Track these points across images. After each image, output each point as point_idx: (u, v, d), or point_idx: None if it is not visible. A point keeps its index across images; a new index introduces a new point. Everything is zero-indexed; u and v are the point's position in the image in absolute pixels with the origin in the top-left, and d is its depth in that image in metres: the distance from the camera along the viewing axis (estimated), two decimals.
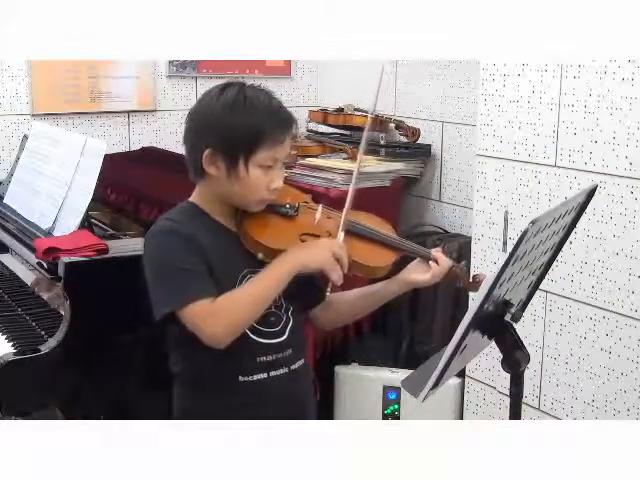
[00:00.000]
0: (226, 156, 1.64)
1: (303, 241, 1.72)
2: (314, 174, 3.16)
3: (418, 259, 1.81)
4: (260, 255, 1.69)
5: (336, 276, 1.62)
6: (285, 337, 1.73)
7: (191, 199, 1.74)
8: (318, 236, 1.74)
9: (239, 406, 1.68)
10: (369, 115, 1.91)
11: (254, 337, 1.68)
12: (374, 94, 1.83)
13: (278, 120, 1.67)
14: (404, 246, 1.82)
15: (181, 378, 1.76)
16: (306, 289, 1.77)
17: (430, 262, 1.78)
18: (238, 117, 1.63)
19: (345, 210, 1.73)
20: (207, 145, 1.64)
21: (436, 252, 1.81)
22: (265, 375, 1.70)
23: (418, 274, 1.79)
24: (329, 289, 1.66)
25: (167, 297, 1.60)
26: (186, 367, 1.73)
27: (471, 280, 1.85)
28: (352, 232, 1.76)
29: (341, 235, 1.65)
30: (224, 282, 1.64)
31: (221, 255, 1.66)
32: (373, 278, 1.81)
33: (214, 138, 1.64)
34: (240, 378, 1.69)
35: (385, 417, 2.99)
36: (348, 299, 1.86)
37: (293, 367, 1.74)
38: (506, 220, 2.59)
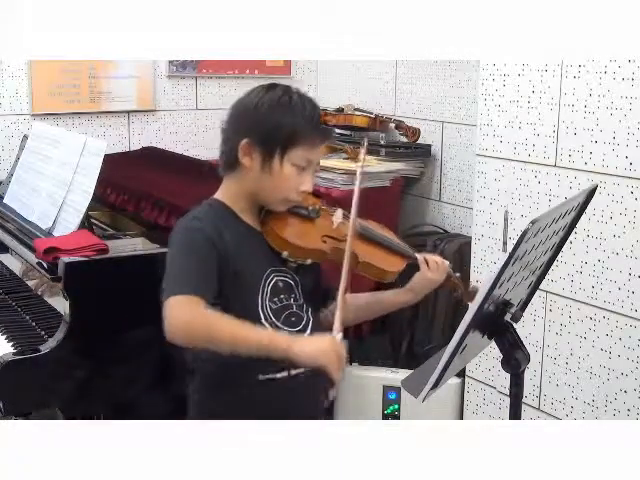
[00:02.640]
0: (263, 148, 1.68)
1: (325, 242, 1.76)
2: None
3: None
4: (285, 253, 1.72)
5: (337, 375, 1.56)
6: (307, 335, 1.74)
7: (217, 196, 1.77)
8: (337, 239, 1.77)
9: (258, 403, 1.70)
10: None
11: None
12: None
13: (318, 125, 1.74)
14: (410, 254, 1.87)
15: (199, 375, 1.77)
16: (318, 290, 1.80)
17: (425, 261, 1.84)
18: (282, 114, 1.69)
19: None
20: (246, 135, 1.68)
21: (430, 255, 1.87)
22: (285, 374, 1.72)
23: (419, 276, 1.84)
24: (332, 392, 1.64)
25: (167, 287, 1.61)
26: (206, 364, 1.74)
27: (468, 288, 1.89)
28: (365, 236, 1.81)
29: (340, 335, 1.60)
30: (249, 281, 1.67)
31: (246, 255, 1.69)
32: (381, 282, 1.85)
33: (254, 129, 1.68)
34: (260, 376, 1.70)
35: (385, 417, 2.99)
36: (358, 302, 1.87)
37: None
38: (506, 220, 2.59)
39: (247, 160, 1.69)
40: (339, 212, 1.84)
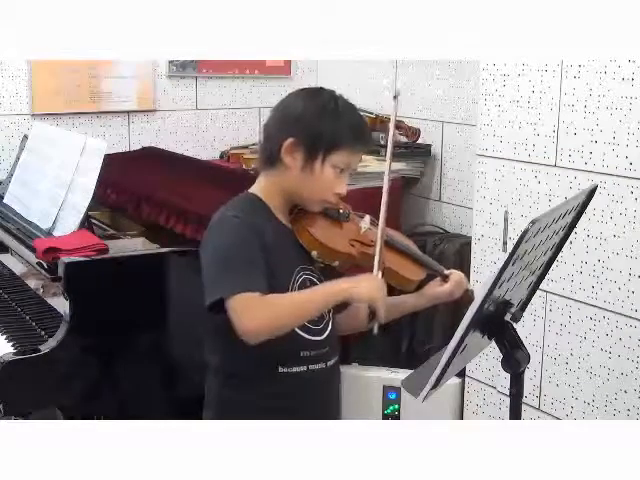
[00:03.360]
0: (307, 149, 1.73)
1: (353, 246, 1.80)
2: None
3: (438, 277, 1.90)
4: (315, 253, 1.76)
5: (383, 311, 1.67)
6: (326, 334, 1.79)
7: (253, 191, 1.80)
8: (365, 244, 1.81)
9: (277, 395, 1.73)
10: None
11: (300, 333, 1.74)
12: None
13: (360, 132, 1.80)
14: (432, 265, 1.91)
15: (219, 368, 1.79)
16: None
17: (450, 277, 1.88)
18: (328, 118, 1.75)
19: (378, 249, 1.77)
20: (291, 135, 1.73)
21: (456, 272, 1.91)
22: (305, 368, 1.76)
23: (439, 288, 1.88)
24: (376, 325, 1.69)
25: (222, 283, 1.64)
26: (226, 357, 1.77)
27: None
28: (390, 245, 1.85)
29: (380, 273, 1.72)
30: (279, 277, 1.70)
31: (279, 251, 1.72)
32: (402, 290, 1.89)
33: (300, 131, 1.73)
34: (280, 369, 1.74)
35: (385, 417, 2.99)
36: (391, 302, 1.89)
37: (329, 363, 1.81)
38: (506, 220, 2.59)
39: (289, 159, 1.74)
40: (367, 218, 1.88)
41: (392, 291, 1.92)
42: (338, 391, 1.94)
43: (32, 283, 2.47)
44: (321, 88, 1.84)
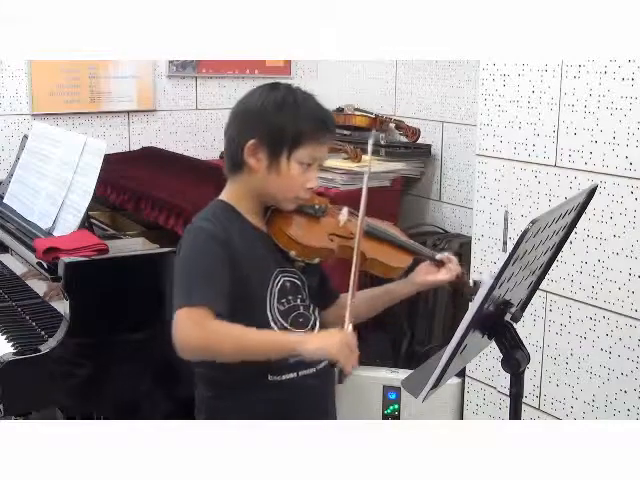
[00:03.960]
0: (270, 148, 1.68)
1: (332, 241, 1.76)
2: None
3: (428, 261, 1.85)
4: (293, 252, 1.72)
5: (350, 368, 1.57)
6: (315, 332, 1.75)
7: (222, 197, 1.76)
8: (344, 237, 1.77)
9: (268, 404, 1.70)
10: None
11: None
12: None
13: (322, 122, 1.73)
14: (420, 250, 1.87)
15: (208, 377, 1.76)
16: (322, 290, 1.81)
17: (446, 264, 1.82)
18: (287, 113, 1.68)
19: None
20: (252, 136, 1.68)
21: (444, 255, 1.85)
22: (294, 375, 1.72)
23: (431, 274, 1.83)
24: (337, 377, 1.59)
25: (176, 295, 1.60)
26: (215, 366, 1.71)
27: (473, 285, 1.88)
28: (371, 234, 1.81)
29: (350, 326, 1.60)
30: (257, 284, 1.67)
31: (254, 257, 1.68)
32: (390, 278, 1.85)
33: (260, 130, 1.68)
34: (269, 377, 1.71)
35: (385, 417, 2.99)
36: (361, 298, 1.85)
37: (319, 367, 1.76)
38: (506, 220, 2.59)
39: (253, 161, 1.69)
40: (345, 210, 1.84)
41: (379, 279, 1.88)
42: (333, 395, 1.88)
43: (32, 283, 2.47)
44: (277, 83, 1.75)
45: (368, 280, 2.03)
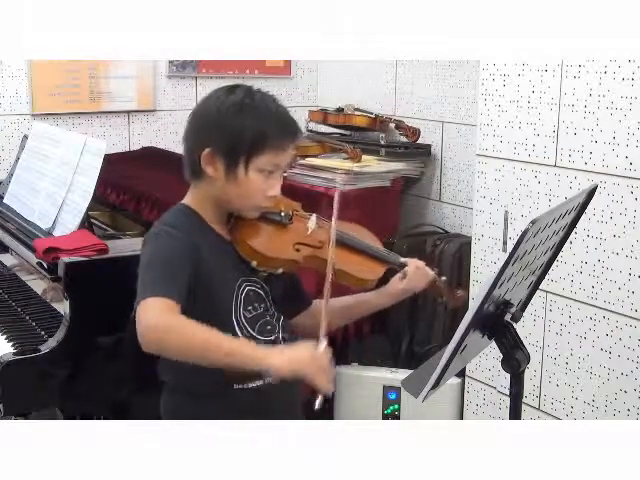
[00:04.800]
0: (226, 157, 1.61)
1: (297, 250, 1.70)
2: (314, 174, 3.16)
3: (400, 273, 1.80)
4: (254, 263, 1.67)
5: (321, 384, 1.47)
6: (281, 345, 1.68)
7: (184, 201, 1.71)
8: (311, 246, 1.71)
9: (236, 412, 1.62)
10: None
11: None
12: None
13: (284, 126, 1.65)
14: (390, 259, 1.81)
15: (175, 386, 1.73)
16: (290, 296, 1.76)
17: (406, 268, 1.78)
18: (244, 119, 1.60)
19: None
20: (208, 144, 1.62)
21: (413, 261, 1.81)
22: (261, 382, 1.66)
23: (400, 283, 1.79)
24: (317, 400, 1.48)
25: (147, 288, 1.54)
26: (179, 375, 1.69)
27: (454, 294, 1.86)
28: (343, 243, 1.75)
29: (323, 344, 1.52)
30: (221, 290, 1.63)
31: (218, 264, 1.64)
32: (362, 290, 1.80)
33: (216, 138, 1.61)
34: (235, 386, 1.66)
35: (385, 417, 2.99)
36: (334, 307, 1.75)
37: None
38: (506, 220, 2.59)
39: (211, 170, 1.62)
40: (314, 217, 1.78)
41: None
42: (299, 402, 1.78)
43: (32, 283, 2.47)
44: (235, 85, 1.66)
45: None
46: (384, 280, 1.82)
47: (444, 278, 1.86)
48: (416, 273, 1.78)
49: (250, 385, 1.66)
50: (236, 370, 1.51)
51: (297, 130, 1.69)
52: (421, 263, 1.80)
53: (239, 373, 1.55)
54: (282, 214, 1.72)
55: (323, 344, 1.52)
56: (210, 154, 1.62)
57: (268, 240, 1.68)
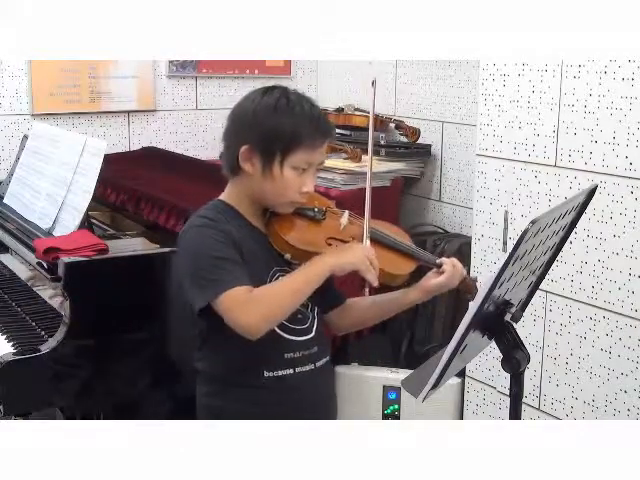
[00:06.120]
0: (263, 154, 1.68)
1: (329, 245, 1.76)
2: None
3: (435, 269, 1.82)
4: (288, 255, 1.73)
5: (371, 276, 1.66)
6: (312, 335, 1.77)
7: (222, 197, 1.78)
8: (344, 241, 1.77)
9: (264, 401, 1.71)
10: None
11: (282, 334, 1.72)
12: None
13: (318, 126, 1.71)
14: (422, 256, 1.85)
15: (207, 375, 1.78)
16: (325, 292, 1.79)
17: (443, 266, 1.80)
18: (279, 118, 1.68)
19: (366, 218, 1.77)
20: (245, 142, 1.69)
21: (450, 259, 1.84)
22: (291, 371, 1.73)
23: (435, 279, 1.81)
24: (367, 289, 1.72)
25: (204, 289, 1.62)
26: (213, 363, 1.76)
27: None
28: (374, 239, 1.80)
29: (367, 241, 1.71)
30: (254, 279, 1.68)
31: (252, 252, 1.70)
32: (393, 285, 1.83)
33: (253, 135, 1.69)
34: (265, 373, 1.72)
35: (385, 417, 2.99)
36: (363, 305, 1.89)
37: (318, 364, 1.78)
38: (506, 220, 2.59)
39: (248, 166, 1.70)
40: (346, 214, 1.84)
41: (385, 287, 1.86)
42: (333, 392, 1.90)
43: (32, 283, 2.47)
44: (272, 86, 1.75)
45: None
46: (415, 279, 1.85)
47: (476, 275, 1.90)
48: (453, 270, 1.80)
49: (280, 373, 1.72)
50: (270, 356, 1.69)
51: (330, 129, 1.77)
52: (457, 261, 1.84)
53: (271, 359, 1.70)
54: (315, 210, 1.80)
55: (368, 242, 1.73)
56: (247, 151, 1.69)
57: (302, 234, 1.75)
